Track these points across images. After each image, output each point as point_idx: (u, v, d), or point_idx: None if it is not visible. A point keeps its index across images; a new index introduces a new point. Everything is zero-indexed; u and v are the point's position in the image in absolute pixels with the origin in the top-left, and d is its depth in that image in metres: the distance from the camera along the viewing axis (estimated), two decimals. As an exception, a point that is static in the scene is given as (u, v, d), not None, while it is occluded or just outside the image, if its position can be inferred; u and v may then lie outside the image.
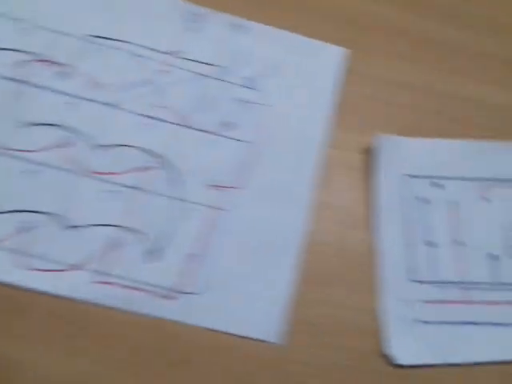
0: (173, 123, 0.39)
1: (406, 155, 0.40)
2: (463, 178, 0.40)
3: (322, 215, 0.38)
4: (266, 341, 0.34)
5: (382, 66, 0.44)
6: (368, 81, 0.43)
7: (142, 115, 0.38)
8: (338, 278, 0.37)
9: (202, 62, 0.41)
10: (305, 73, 0.42)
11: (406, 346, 0.35)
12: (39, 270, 0.33)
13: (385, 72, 0.44)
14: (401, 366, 0.35)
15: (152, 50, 0.40)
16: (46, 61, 0.39)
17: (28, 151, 0.36)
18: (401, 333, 0.36)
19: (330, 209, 0.38)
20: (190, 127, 0.39)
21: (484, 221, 0.39)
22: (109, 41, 0.40)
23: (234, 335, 0.34)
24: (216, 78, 0.40)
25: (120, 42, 0.40)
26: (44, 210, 0.35)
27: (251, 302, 0.35)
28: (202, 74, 0.40)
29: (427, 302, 0.37)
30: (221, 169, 0.38)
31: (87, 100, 0.38)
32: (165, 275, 0.35)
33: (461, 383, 0.35)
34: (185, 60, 0.41)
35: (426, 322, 0.36)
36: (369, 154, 0.40)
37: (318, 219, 0.38)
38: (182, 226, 0.36)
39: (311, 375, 0.34)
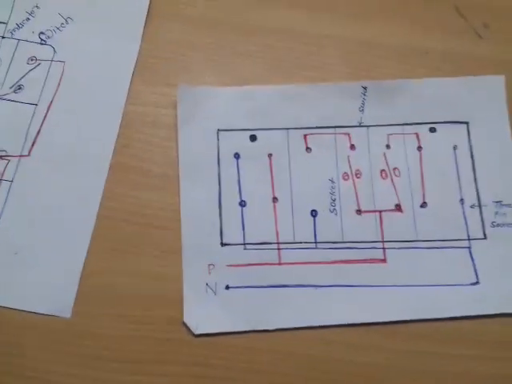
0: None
1: (216, 107, 0.37)
2: (282, 128, 0.37)
3: (125, 178, 0.36)
4: (55, 315, 0.33)
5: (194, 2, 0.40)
6: (178, 23, 0.39)
7: None
8: (137, 246, 0.35)
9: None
10: (103, 21, 0.39)
11: (206, 314, 0.33)
12: None
13: (198, 10, 0.40)
14: (205, 335, 0.33)
15: None
16: None
17: None
18: (200, 300, 0.34)
19: (134, 171, 0.36)
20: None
21: (304, 173, 0.36)
22: None
23: (21, 310, 0.33)
24: (2, 36, 0.38)
25: None
26: None
27: (40, 276, 0.34)
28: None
29: (232, 265, 0.35)
30: (4, 136, 0.36)
31: None
32: None
33: (270, 352, 0.33)
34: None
35: (229, 288, 0.34)
36: (175, 109, 0.38)
37: (120, 183, 0.36)
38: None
39: (104, 347, 0.33)
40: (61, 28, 0.39)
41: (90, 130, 0.36)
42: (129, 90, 0.38)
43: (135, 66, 0.38)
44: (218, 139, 0.37)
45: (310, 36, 0.40)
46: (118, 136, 0.37)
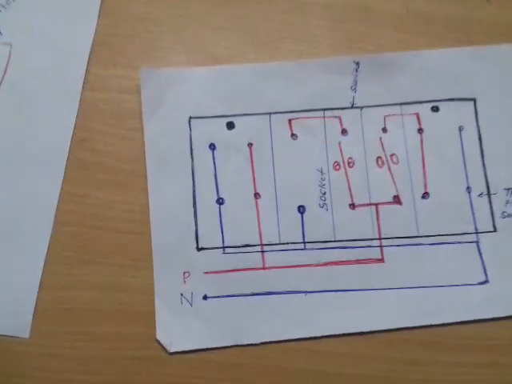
0: None
1: (187, 91, 0.33)
2: (263, 113, 0.33)
3: (84, 177, 0.32)
4: (11, 336, 0.30)
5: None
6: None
7: None
8: (100, 253, 0.31)
9: None
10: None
11: (181, 329, 0.30)
12: None
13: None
14: (181, 352, 0.30)
15: None
16: None
17: None
18: (174, 313, 0.31)
19: (94, 168, 0.32)
20: None
21: (290, 164, 0.33)
22: None
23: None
24: None
25: None
26: None
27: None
28: None
29: (210, 272, 0.31)
30: None
31: None
32: None
33: (255, 367, 0.30)
34: None
35: (207, 298, 0.31)
36: (138, 93, 0.34)
37: (78, 182, 0.32)
38: None
39: (68, 370, 0.30)
40: (6, 5, 0.34)
41: (42, 123, 0.33)
42: (86, 73, 0.34)
43: (92, 46, 0.34)
44: (190, 128, 0.33)
45: (290, 3, 0.35)
46: (75, 128, 0.33)
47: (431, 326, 0.31)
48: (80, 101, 0.33)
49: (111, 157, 0.33)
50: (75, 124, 0.33)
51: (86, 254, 0.31)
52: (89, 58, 0.34)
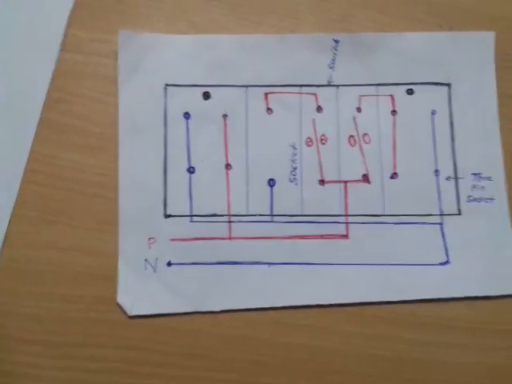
0: None
1: (164, 58, 0.32)
2: (240, 85, 0.32)
3: (56, 137, 0.31)
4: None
5: None
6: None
7: None
8: (67, 215, 0.31)
9: None
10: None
11: (143, 293, 0.30)
12: None
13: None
14: (142, 316, 0.30)
15: None
16: None
17: None
18: (137, 277, 0.30)
19: (67, 130, 0.31)
20: None
21: (263, 138, 0.32)
22: None
23: None
24: None
25: None
26: None
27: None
28: None
29: (176, 239, 0.31)
30: None
31: None
32: None
33: (214, 335, 0.30)
34: None
35: (172, 264, 0.30)
36: (117, 58, 0.33)
37: (50, 143, 0.31)
38: None
39: (26, 329, 0.29)
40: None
41: (17, 81, 0.32)
42: (65, 35, 0.33)
43: (73, 8, 0.33)
44: (166, 96, 0.32)
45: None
46: (50, 89, 0.32)
47: (391, 302, 0.31)
48: (58, 62, 0.32)
49: (85, 119, 0.32)
50: (51, 84, 0.32)
51: (53, 215, 0.31)
52: (69, 20, 0.33)
